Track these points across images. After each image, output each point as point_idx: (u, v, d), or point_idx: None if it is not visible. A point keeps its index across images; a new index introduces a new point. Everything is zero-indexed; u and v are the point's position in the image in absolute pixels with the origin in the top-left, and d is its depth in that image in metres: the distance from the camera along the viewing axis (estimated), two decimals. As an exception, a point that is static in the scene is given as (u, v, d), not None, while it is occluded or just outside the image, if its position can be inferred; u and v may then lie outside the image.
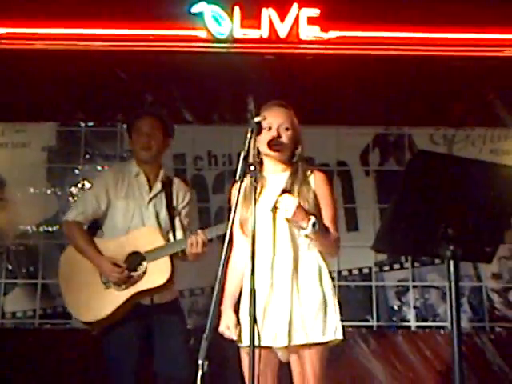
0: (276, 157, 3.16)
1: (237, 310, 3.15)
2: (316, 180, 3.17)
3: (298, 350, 3.03)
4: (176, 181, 4.04)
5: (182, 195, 3.99)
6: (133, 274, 3.71)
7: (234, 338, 3.11)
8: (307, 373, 3.00)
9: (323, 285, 3.10)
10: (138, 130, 3.93)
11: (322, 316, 3.04)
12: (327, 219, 3.16)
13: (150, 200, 3.90)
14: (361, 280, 5.48)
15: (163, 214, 3.89)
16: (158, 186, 3.93)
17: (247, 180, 2.87)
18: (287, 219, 3.02)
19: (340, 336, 3.06)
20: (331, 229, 3.15)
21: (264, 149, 3.13)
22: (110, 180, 3.92)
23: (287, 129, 3.16)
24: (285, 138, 3.14)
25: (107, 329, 3.72)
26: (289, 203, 2.97)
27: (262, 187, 3.10)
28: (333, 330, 3.05)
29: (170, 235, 3.89)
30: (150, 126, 3.93)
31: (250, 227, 2.87)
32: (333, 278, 5.19)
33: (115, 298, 3.68)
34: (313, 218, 2.99)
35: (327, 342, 3.05)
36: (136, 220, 3.83)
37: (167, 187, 3.95)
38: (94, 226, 3.94)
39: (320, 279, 3.10)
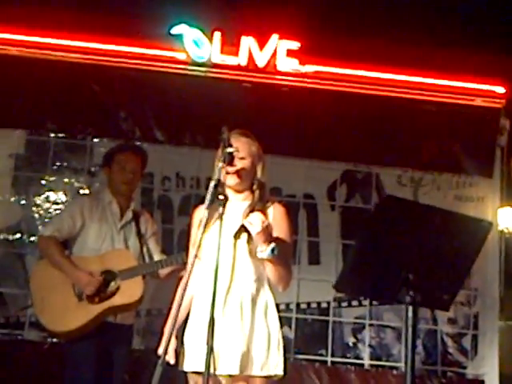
0: (231, 185, 3.15)
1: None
2: (274, 212, 3.17)
3: (240, 381, 3.00)
4: (144, 213, 4.31)
5: (150, 225, 4.24)
6: (106, 289, 3.86)
7: (172, 361, 3.09)
8: None
9: (268, 318, 3.09)
10: (121, 164, 4.10)
11: (264, 350, 3.02)
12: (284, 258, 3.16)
13: (122, 227, 4.09)
14: (318, 314, 5.49)
15: (132, 240, 4.11)
16: (129, 215, 4.15)
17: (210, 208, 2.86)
18: (248, 239, 3.02)
19: (280, 372, 3.03)
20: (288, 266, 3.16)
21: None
22: (86, 204, 4.10)
23: (243, 158, 3.15)
24: (239, 167, 3.11)
25: (72, 340, 3.83)
26: (258, 220, 2.95)
27: (218, 216, 3.07)
28: (274, 365, 3.02)
29: (138, 259, 4.06)
30: (134, 163, 4.16)
31: (204, 253, 2.94)
32: (291, 310, 5.36)
33: (87, 311, 3.82)
34: (273, 244, 2.99)
35: (267, 377, 3.03)
36: (107, 243, 4.03)
37: (137, 217, 4.17)
38: (64, 245, 4.05)
39: (265, 313, 3.09)
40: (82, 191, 5.48)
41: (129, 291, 3.85)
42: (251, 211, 3.09)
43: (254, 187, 3.19)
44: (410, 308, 2.48)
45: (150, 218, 4.33)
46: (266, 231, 2.97)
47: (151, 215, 4.48)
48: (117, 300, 3.84)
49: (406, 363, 2.46)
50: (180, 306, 2.77)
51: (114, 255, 3.97)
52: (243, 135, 3.19)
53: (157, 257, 4.14)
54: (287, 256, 3.17)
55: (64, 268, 3.89)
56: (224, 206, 2.84)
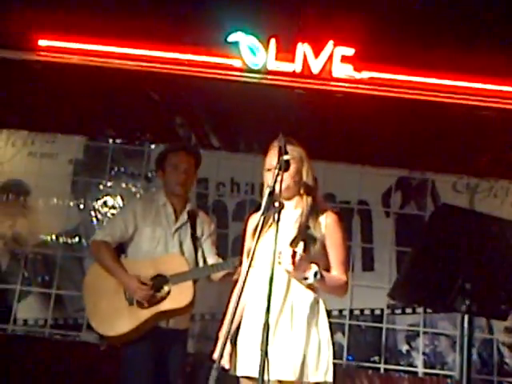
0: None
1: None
2: (327, 221, 3.20)
3: None
4: (200, 214, 4.21)
5: (207, 227, 4.15)
6: (157, 293, 3.84)
7: (227, 366, 3.14)
8: None
9: (319, 325, 3.11)
10: (174, 165, 4.05)
11: (315, 357, 3.04)
12: (335, 262, 3.19)
13: (176, 230, 4.03)
14: (372, 321, 5.47)
15: (187, 243, 4.04)
16: (185, 217, 4.08)
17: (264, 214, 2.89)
18: (288, 271, 3.04)
19: (330, 379, 3.05)
20: (339, 272, 3.18)
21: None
22: (139, 206, 4.07)
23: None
24: (285, 175, 3.07)
25: (125, 346, 3.84)
26: (288, 256, 2.97)
27: (271, 223, 3.09)
28: (323, 371, 3.05)
29: (192, 263, 4.00)
30: (187, 163, 4.08)
31: (258, 260, 3.00)
32: (344, 317, 5.36)
33: (137, 316, 3.81)
34: (314, 268, 3.02)
35: (317, 383, 3.04)
36: (161, 247, 3.97)
37: (192, 219, 4.10)
38: (118, 250, 4.04)
39: (317, 320, 3.12)
40: (138, 196, 5.58)
41: (179, 296, 3.82)
42: (305, 219, 3.13)
43: (302, 191, 3.23)
44: (466, 317, 2.47)
45: (207, 218, 4.26)
46: (302, 262, 2.99)
47: (208, 215, 4.42)
48: (166, 305, 3.82)
49: (461, 373, 2.45)
50: (235, 311, 2.80)
51: (167, 260, 3.93)
52: (286, 141, 3.22)
53: (211, 260, 4.08)
54: (340, 266, 3.19)
55: (114, 273, 3.89)
56: (280, 213, 2.87)
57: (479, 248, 2.45)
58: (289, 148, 3.14)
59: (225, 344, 2.81)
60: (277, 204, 2.84)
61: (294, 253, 2.98)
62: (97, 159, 5.69)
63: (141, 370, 3.81)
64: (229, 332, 2.84)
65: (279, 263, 2.96)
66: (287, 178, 3.11)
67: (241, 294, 2.77)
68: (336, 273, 3.18)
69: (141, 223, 4.00)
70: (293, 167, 3.15)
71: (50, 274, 5.48)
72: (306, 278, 3.03)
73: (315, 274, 3.00)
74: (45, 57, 5.52)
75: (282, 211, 3.11)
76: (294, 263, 2.96)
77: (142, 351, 3.81)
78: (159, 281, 3.85)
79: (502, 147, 5.55)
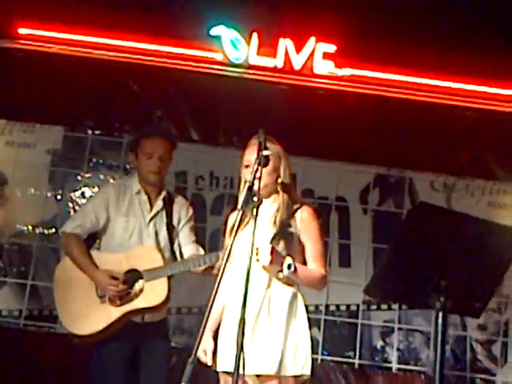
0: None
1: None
2: (302, 215, 3.21)
3: (269, 381, 3.04)
4: (178, 198, 4.01)
5: (184, 212, 3.94)
6: (129, 290, 3.69)
7: (209, 363, 3.16)
8: None
9: (297, 319, 3.13)
10: (147, 151, 3.83)
11: (293, 350, 3.06)
12: (312, 255, 3.20)
13: (151, 219, 3.85)
14: (347, 316, 5.50)
15: (163, 232, 3.85)
16: (160, 204, 3.88)
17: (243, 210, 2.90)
18: (264, 267, 3.06)
19: (308, 372, 3.08)
20: (317, 265, 3.19)
21: None
22: (111, 195, 3.86)
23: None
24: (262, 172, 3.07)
25: (98, 343, 3.70)
26: (266, 253, 2.99)
27: (249, 219, 3.09)
28: (301, 365, 3.07)
29: (168, 254, 3.84)
30: (162, 149, 3.85)
31: (236, 255, 3.04)
32: (320, 312, 5.39)
33: (109, 314, 3.66)
34: (288, 260, 3.03)
35: (295, 376, 3.06)
36: (135, 238, 3.80)
37: (168, 206, 3.89)
38: (91, 238, 3.91)
39: (295, 314, 3.14)
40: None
41: (153, 293, 3.63)
42: (282, 216, 3.14)
43: (279, 189, 3.24)
44: (440, 314, 2.49)
45: (185, 203, 4.00)
46: (277, 256, 3.02)
47: (185, 198, 4.15)
48: (139, 303, 3.64)
49: (434, 369, 2.47)
50: (211, 308, 2.78)
51: (141, 253, 3.73)
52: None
53: (188, 250, 3.87)
54: (318, 259, 3.20)
55: (84, 267, 3.71)
56: (258, 208, 2.87)
57: (455, 246, 2.47)
58: (267, 145, 3.15)
59: (201, 338, 2.80)
60: (255, 199, 2.84)
61: (273, 249, 3.00)
62: (75, 150, 5.64)
63: (112, 372, 3.67)
64: (204, 327, 2.81)
65: (257, 260, 2.97)
66: (265, 175, 3.10)
67: (217, 290, 2.76)
68: (313, 266, 3.19)
69: (113, 213, 3.81)
70: (270, 164, 3.15)
71: (25, 265, 5.44)
72: (280, 271, 3.04)
73: (289, 266, 3.02)
74: (25, 45, 5.48)
75: (259, 207, 3.13)
76: (272, 260, 2.98)
77: (114, 351, 3.67)
78: (133, 276, 3.68)
79: (480, 147, 5.60)
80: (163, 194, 3.90)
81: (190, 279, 4.06)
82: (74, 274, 3.76)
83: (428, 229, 2.40)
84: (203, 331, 2.71)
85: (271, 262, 2.99)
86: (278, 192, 3.25)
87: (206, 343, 3.17)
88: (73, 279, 3.77)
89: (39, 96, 5.44)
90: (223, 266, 2.75)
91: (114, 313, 3.66)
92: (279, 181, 3.24)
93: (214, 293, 2.74)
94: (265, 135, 2.95)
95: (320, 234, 3.25)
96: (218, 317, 3.23)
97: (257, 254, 2.97)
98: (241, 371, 2.67)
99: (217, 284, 2.75)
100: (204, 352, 3.16)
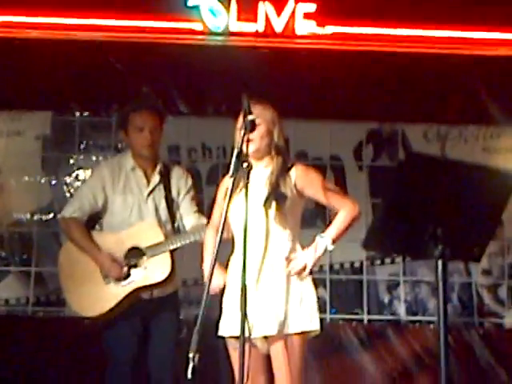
0: (251, 153, 3.16)
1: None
2: (297, 173, 3.21)
3: (277, 341, 3.06)
4: (175, 169, 4.01)
5: (183, 183, 3.95)
6: (132, 269, 3.73)
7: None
8: (286, 363, 3.04)
9: (300, 278, 3.15)
10: (137, 125, 3.82)
11: (297, 307, 3.08)
12: (328, 199, 3.20)
13: (149, 194, 3.86)
14: (352, 273, 5.53)
15: (162, 206, 3.86)
16: (156, 178, 3.88)
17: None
18: (277, 206, 3.11)
19: (316, 327, 3.11)
20: (339, 204, 3.20)
21: None
22: (106, 175, 3.86)
23: (258, 124, 3.12)
24: (255, 134, 3.11)
25: (107, 323, 3.74)
26: (300, 263, 3.09)
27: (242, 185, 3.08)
28: (307, 320, 3.09)
29: (169, 227, 3.86)
30: (151, 122, 3.84)
31: (233, 221, 3.09)
32: (324, 272, 5.40)
33: (115, 294, 3.71)
34: (320, 240, 3.09)
35: (303, 333, 3.08)
36: (135, 215, 3.81)
37: (165, 178, 3.89)
38: (93, 218, 3.93)
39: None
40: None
41: (156, 269, 3.69)
42: (275, 178, 3.14)
43: (273, 153, 3.22)
44: (440, 262, 2.49)
45: (183, 173, 4.01)
46: (313, 254, 3.11)
47: (186, 169, 4.19)
48: (144, 280, 3.70)
49: (438, 316, 2.48)
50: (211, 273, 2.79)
51: (141, 229, 3.76)
52: (256, 103, 3.21)
53: (190, 221, 3.87)
54: (336, 198, 3.21)
55: (86, 251, 3.75)
56: (249, 174, 2.87)
57: (449, 193, 2.46)
58: (259, 108, 3.14)
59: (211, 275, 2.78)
60: (245, 165, 2.83)
61: (303, 257, 3.09)
62: (64, 134, 5.62)
63: (124, 352, 3.73)
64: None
65: (289, 271, 3.07)
66: (257, 138, 3.11)
67: (215, 258, 2.77)
68: (339, 207, 3.19)
69: (110, 192, 3.82)
70: (263, 127, 3.15)
71: (27, 252, 5.46)
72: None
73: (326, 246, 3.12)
74: (2, 33, 5.41)
75: (253, 171, 3.12)
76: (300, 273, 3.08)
77: (124, 330, 3.71)
78: (135, 254, 3.73)
79: (470, 93, 5.56)
80: (159, 167, 3.90)
81: (194, 251, 4.05)
82: (77, 257, 3.80)
83: (419, 178, 2.39)
84: (207, 299, 2.71)
85: (314, 265, 3.10)
86: (271, 155, 3.24)
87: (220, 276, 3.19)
88: (77, 262, 3.80)
89: (23, 83, 5.38)
90: (220, 233, 2.76)
91: (121, 292, 3.71)
92: (274, 143, 3.22)
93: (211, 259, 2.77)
94: (248, 100, 2.92)
95: (322, 179, 3.26)
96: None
97: (288, 264, 3.10)
98: (247, 334, 2.70)
99: (215, 252, 2.76)
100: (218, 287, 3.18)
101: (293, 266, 3.10)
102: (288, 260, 3.11)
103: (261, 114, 3.17)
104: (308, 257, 3.10)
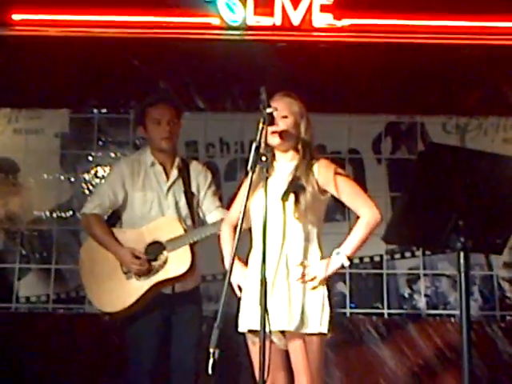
0: (276, 146, 3.16)
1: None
2: (320, 169, 3.17)
3: (295, 338, 3.05)
4: (193, 164, 4.03)
5: (202, 178, 3.98)
6: (153, 263, 3.75)
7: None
8: (304, 360, 3.03)
9: None
10: (155, 119, 3.86)
11: (317, 308, 3.07)
12: (350, 202, 3.19)
13: (169, 189, 3.89)
14: (372, 268, 5.49)
15: (182, 201, 3.88)
16: (175, 173, 3.91)
17: (258, 170, 2.89)
18: (295, 200, 3.08)
19: (324, 330, 3.06)
20: (364, 211, 3.17)
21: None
22: (126, 171, 3.91)
23: (285, 116, 3.15)
24: (282, 126, 3.13)
25: (129, 318, 3.77)
26: (310, 275, 3.06)
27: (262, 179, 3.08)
28: (317, 322, 3.05)
29: (190, 222, 3.88)
30: (169, 115, 3.87)
31: (254, 215, 3.05)
32: (344, 266, 5.36)
33: (136, 289, 3.73)
34: (336, 259, 3.10)
35: (316, 334, 3.05)
36: (155, 210, 3.84)
37: (184, 173, 3.92)
38: (114, 216, 3.97)
39: None
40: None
41: (177, 263, 3.70)
42: (299, 173, 3.11)
43: (299, 146, 3.20)
44: (462, 254, 2.47)
45: (202, 168, 4.04)
46: (327, 266, 3.09)
47: (204, 164, 4.23)
48: (165, 274, 3.71)
49: (461, 309, 2.45)
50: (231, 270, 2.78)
51: (161, 224, 3.78)
52: (285, 95, 3.23)
53: (214, 216, 3.89)
54: (357, 202, 3.18)
55: (108, 246, 3.78)
56: (267, 168, 2.85)
57: (470, 184, 2.44)
58: (287, 101, 3.14)
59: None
60: (264, 158, 2.81)
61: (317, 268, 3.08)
62: (83, 131, 5.63)
63: (146, 347, 3.74)
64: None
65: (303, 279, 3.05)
66: (284, 129, 3.10)
67: (234, 253, 2.77)
68: (357, 212, 3.17)
69: (130, 188, 3.86)
70: (290, 120, 3.14)
71: (47, 250, 5.47)
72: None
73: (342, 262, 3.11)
74: (20, 31, 5.43)
75: (277, 164, 3.12)
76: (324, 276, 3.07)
77: (146, 326, 3.74)
78: (155, 248, 3.75)
79: (490, 83, 5.51)
80: (177, 161, 3.93)
81: (212, 247, 4.06)
82: (98, 253, 3.83)
83: (440, 169, 2.37)
84: (226, 295, 2.70)
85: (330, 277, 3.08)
86: (297, 149, 3.21)
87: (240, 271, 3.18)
88: (98, 259, 3.84)
89: (41, 81, 5.40)
90: (239, 227, 2.75)
91: (142, 287, 3.73)
92: (301, 137, 3.20)
93: (232, 253, 2.76)
94: (266, 93, 2.91)
95: (345, 175, 3.22)
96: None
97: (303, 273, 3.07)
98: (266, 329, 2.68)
99: (234, 246, 2.74)
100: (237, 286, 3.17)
101: (303, 274, 3.06)
102: (302, 265, 3.08)
103: (288, 107, 3.17)
104: (320, 270, 3.07)
